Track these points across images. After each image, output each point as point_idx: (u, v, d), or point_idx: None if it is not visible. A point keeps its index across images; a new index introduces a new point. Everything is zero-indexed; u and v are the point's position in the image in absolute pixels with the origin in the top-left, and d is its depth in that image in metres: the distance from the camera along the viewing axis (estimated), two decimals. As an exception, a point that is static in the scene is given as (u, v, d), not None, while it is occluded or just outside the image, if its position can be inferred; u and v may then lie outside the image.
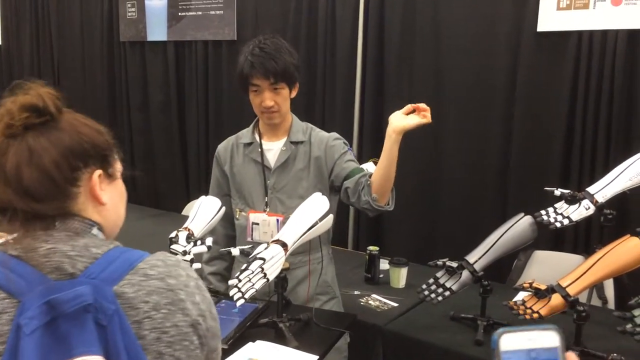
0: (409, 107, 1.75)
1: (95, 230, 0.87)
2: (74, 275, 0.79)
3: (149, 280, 0.82)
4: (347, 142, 1.96)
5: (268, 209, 1.91)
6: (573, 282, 1.74)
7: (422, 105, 1.73)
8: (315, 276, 1.91)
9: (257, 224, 1.91)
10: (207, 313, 0.87)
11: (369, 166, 2.03)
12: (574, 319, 1.74)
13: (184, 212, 3.71)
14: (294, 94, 1.91)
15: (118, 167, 0.94)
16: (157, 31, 4.11)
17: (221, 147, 2.06)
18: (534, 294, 1.78)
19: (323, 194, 1.84)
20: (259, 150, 1.94)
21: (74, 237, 0.83)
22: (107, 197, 0.89)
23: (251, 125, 2.01)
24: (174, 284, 0.84)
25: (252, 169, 1.95)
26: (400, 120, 1.73)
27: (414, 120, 1.71)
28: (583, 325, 1.74)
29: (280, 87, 1.83)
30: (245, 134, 2.01)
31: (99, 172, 0.88)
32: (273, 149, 1.94)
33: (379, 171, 1.75)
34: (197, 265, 1.68)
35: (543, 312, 1.75)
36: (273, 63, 1.79)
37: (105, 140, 0.91)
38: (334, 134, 1.96)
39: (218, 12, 3.82)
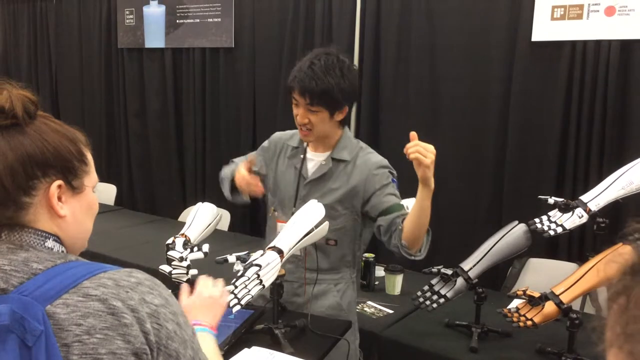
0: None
1: (50, 242, 0.83)
2: (6, 290, 0.76)
3: (87, 302, 0.77)
4: (393, 172, 1.84)
5: None
6: (566, 289, 1.75)
7: (407, 146, 1.57)
8: (329, 296, 1.86)
9: None
10: (161, 341, 0.81)
11: (410, 203, 1.87)
12: (567, 327, 1.75)
13: (180, 218, 3.72)
14: (339, 117, 1.78)
15: (89, 179, 0.88)
16: (155, 38, 4.13)
17: (276, 137, 1.96)
18: (528, 301, 1.80)
19: (354, 218, 1.83)
20: (301, 157, 1.87)
21: (15, 251, 0.79)
22: (68, 210, 0.84)
23: None
24: (118, 307, 0.77)
25: (291, 174, 1.88)
26: (415, 168, 1.59)
27: (418, 168, 1.58)
28: (576, 333, 1.75)
29: (316, 109, 1.73)
30: (296, 136, 1.91)
31: (58, 182, 0.82)
32: (314, 160, 1.86)
33: (409, 219, 1.66)
34: (193, 271, 1.69)
35: (537, 319, 1.76)
36: (313, 84, 1.69)
37: (74, 150, 0.85)
38: (382, 161, 1.83)
39: (216, 20, 3.84)
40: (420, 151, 1.54)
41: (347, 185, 1.81)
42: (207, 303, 1.24)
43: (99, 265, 0.82)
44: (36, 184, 0.81)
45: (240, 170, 1.77)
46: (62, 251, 0.84)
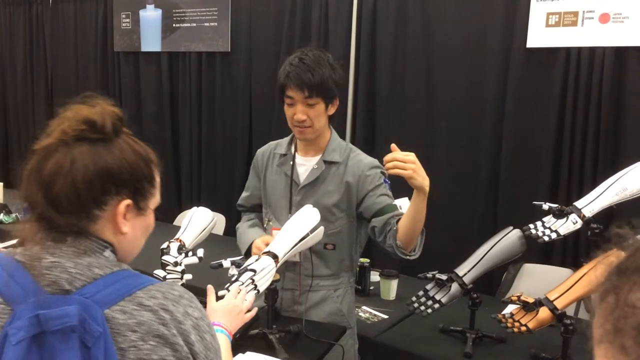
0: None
1: (107, 252, 0.87)
2: (69, 292, 0.80)
3: (141, 311, 0.81)
4: (385, 172, 1.81)
5: None
6: (560, 295, 1.76)
7: (387, 157, 1.56)
8: (329, 302, 1.86)
9: None
10: (200, 353, 0.85)
11: (403, 202, 1.90)
12: (562, 332, 1.75)
13: (175, 222, 3.71)
14: (332, 110, 1.80)
15: (154, 201, 0.93)
16: (151, 42, 4.13)
17: (260, 152, 1.97)
18: (522, 307, 1.80)
19: (350, 221, 1.83)
20: (291, 164, 1.86)
21: (80, 255, 0.83)
22: (129, 228, 0.88)
23: (289, 137, 1.92)
24: (167, 319, 0.83)
25: (282, 182, 1.87)
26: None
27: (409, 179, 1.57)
28: (570, 339, 1.75)
29: (314, 101, 1.72)
30: (282, 144, 1.92)
31: (127, 202, 0.86)
32: (305, 165, 1.85)
33: (404, 220, 1.66)
34: (188, 276, 1.69)
35: (531, 325, 1.77)
36: (309, 75, 1.69)
37: (147, 172, 0.90)
38: (373, 162, 1.84)
39: (212, 24, 3.85)
40: (398, 165, 1.54)
41: (342, 187, 1.81)
42: (231, 310, 1.34)
43: (147, 278, 0.87)
44: (108, 199, 0.85)
45: (256, 244, 1.77)
46: (116, 262, 0.88)
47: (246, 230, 1.90)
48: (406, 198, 1.92)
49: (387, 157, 1.56)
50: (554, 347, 1.83)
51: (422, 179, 1.57)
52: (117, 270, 0.84)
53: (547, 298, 1.77)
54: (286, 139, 1.93)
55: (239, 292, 1.41)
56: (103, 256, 0.86)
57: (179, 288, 0.89)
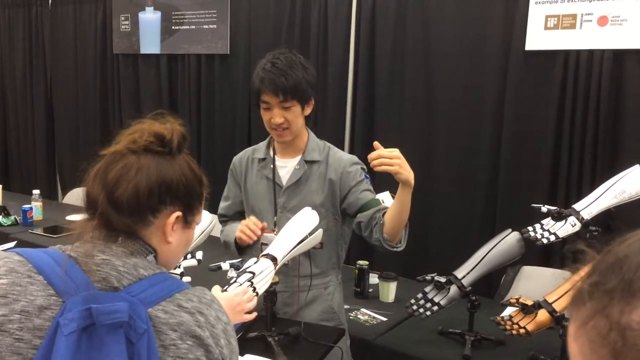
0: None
1: (150, 257, 0.92)
2: (117, 289, 0.85)
3: (180, 312, 0.87)
4: (365, 168, 1.86)
5: (277, 229, 1.81)
6: (559, 297, 1.76)
7: (372, 155, 1.58)
8: (321, 301, 1.87)
9: (266, 244, 1.76)
10: (229, 356, 0.90)
11: (385, 197, 1.92)
12: (560, 335, 1.76)
13: (174, 225, 3.71)
14: (308, 111, 1.82)
15: (198, 219, 1.00)
16: (150, 44, 4.14)
17: (237, 159, 1.98)
18: (521, 309, 1.80)
19: (335, 218, 1.85)
20: (272, 167, 1.87)
21: (128, 255, 0.89)
22: (175, 239, 0.94)
23: (266, 141, 1.93)
24: (202, 321, 0.88)
25: (264, 185, 1.88)
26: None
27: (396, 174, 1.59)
28: (569, 341, 1.75)
29: (290, 104, 1.75)
30: (260, 149, 1.93)
31: (178, 213, 0.93)
32: (287, 167, 1.87)
33: (390, 214, 1.68)
34: (187, 278, 1.69)
35: (530, 327, 1.77)
36: (283, 80, 1.71)
37: (199, 191, 0.98)
38: (353, 158, 1.87)
39: (211, 27, 3.85)
40: (384, 162, 1.56)
41: (325, 185, 1.83)
42: (234, 306, 1.38)
43: (182, 282, 0.94)
44: (162, 208, 0.92)
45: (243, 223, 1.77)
46: (157, 266, 0.94)
47: (230, 224, 1.93)
48: (387, 192, 1.97)
49: (372, 154, 1.59)
50: (552, 349, 1.83)
51: (407, 172, 1.60)
52: (158, 273, 0.90)
53: (545, 300, 1.77)
54: (263, 143, 1.95)
55: (246, 293, 1.42)
56: (146, 260, 0.91)
57: (210, 294, 0.94)
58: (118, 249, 0.89)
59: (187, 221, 0.96)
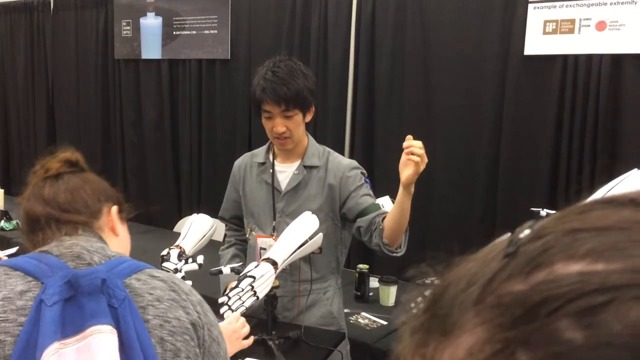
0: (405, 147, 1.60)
1: (109, 248, 1.05)
2: (91, 265, 0.95)
3: (153, 280, 0.97)
4: (365, 172, 1.87)
5: (275, 234, 1.82)
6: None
7: (406, 144, 1.57)
8: (320, 306, 1.88)
9: (265, 249, 1.80)
10: (208, 324, 0.98)
11: (384, 201, 1.93)
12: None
13: (175, 229, 3.73)
14: (309, 117, 1.83)
15: (125, 217, 1.16)
16: (151, 49, 4.16)
17: (236, 164, 2.00)
18: None
19: (335, 223, 1.86)
20: (271, 171, 1.88)
21: (92, 240, 1.01)
22: (121, 231, 1.11)
23: (266, 145, 1.94)
24: (176, 287, 0.98)
25: (263, 190, 1.89)
26: (402, 172, 1.60)
27: (408, 171, 1.58)
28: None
29: (292, 113, 1.75)
30: (260, 153, 1.94)
31: (115, 207, 1.11)
32: (286, 172, 1.87)
33: (390, 219, 1.68)
34: (188, 282, 1.69)
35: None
36: (285, 89, 1.71)
37: (116, 193, 1.15)
38: (352, 163, 1.87)
39: (212, 32, 3.87)
40: (415, 152, 1.55)
41: (324, 191, 1.83)
42: (230, 335, 1.45)
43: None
44: (102, 205, 1.09)
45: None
46: None
47: (227, 261, 1.95)
48: (387, 197, 1.96)
49: (418, 143, 1.56)
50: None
51: (414, 175, 1.59)
52: (121, 255, 1.01)
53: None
54: (263, 148, 1.95)
55: (238, 319, 1.46)
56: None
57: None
58: (82, 237, 1.01)
59: (122, 217, 1.13)
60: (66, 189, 1.05)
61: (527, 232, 0.30)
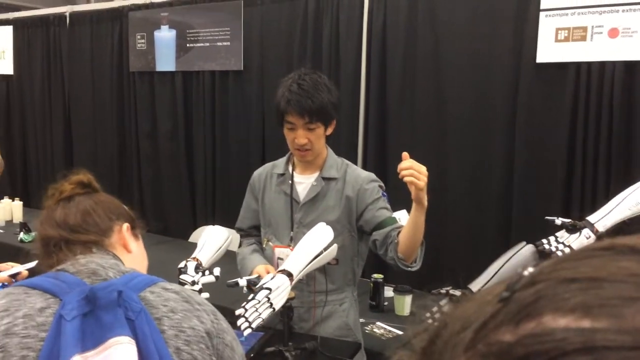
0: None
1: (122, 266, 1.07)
2: (106, 280, 0.98)
3: (167, 292, 1.00)
4: (382, 186, 1.88)
5: (293, 244, 1.83)
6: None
7: (401, 167, 1.58)
8: (336, 317, 1.88)
9: (282, 259, 1.81)
10: (221, 332, 1.01)
11: (401, 215, 1.93)
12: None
13: (191, 239, 3.76)
14: (329, 131, 1.85)
15: (139, 234, 1.19)
16: (165, 62, 4.21)
17: (256, 174, 2.02)
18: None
19: (351, 235, 1.87)
20: (290, 182, 1.90)
21: (106, 257, 1.04)
22: (134, 247, 1.13)
23: (286, 156, 1.97)
24: (189, 298, 1.01)
25: (282, 201, 1.91)
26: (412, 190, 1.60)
27: (413, 190, 1.59)
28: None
29: (315, 126, 1.78)
30: (279, 164, 1.97)
31: (127, 224, 1.13)
32: (304, 183, 1.90)
33: (404, 233, 1.68)
34: (205, 294, 1.71)
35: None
36: (309, 102, 1.74)
37: (129, 212, 1.18)
38: (371, 175, 1.89)
39: (225, 44, 3.92)
40: (415, 174, 1.55)
41: (342, 202, 1.84)
42: None
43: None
44: (113, 224, 1.12)
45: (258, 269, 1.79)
46: None
47: (248, 256, 1.94)
48: (404, 210, 1.96)
49: (405, 163, 1.56)
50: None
51: (422, 193, 1.59)
52: (135, 271, 1.04)
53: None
54: (283, 159, 1.98)
55: None
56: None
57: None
58: (96, 255, 1.04)
59: (135, 234, 1.16)
60: (77, 211, 1.08)
61: (527, 273, 0.30)
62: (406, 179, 1.56)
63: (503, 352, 0.26)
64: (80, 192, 1.12)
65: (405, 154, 1.61)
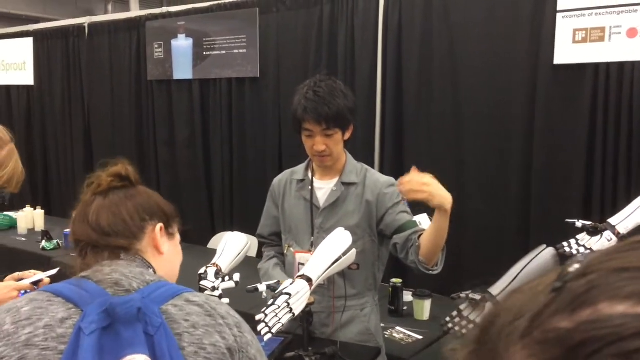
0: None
1: (150, 271, 1.04)
2: (129, 292, 0.95)
3: (190, 305, 0.97)
4: None
5: (314, 249, 1.82)
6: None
7: (400, 189, 1.62)
8: (357, 323, 1.88)
9: (303, 264, 1.78)
10: (245, 345, 0.97)
11: (422, 218, 1.93)
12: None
13: (209, 246, 3.78)
14: (347, 135, 1.86)
15: (177, 231, 1.15)
16: (182, 70, 4.25)
17: (276, 181, 2.03)
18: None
19: (372, 239, 1.87)
20: (310, 188, 1.91)
21: (132, 265, 1.02)
22: (166, 249, 1.09)
23: (305, 162, 1.98)
24: (213, 311, 0.97)
25: (302, 206, 1.92)
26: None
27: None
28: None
29: (332, 132, 1.79)
30: (299, 170, 1.98)
31: (160, 224, 1.09)
32: (324, 188, 1.90)
33: (426, 237, 1.68)
34: (225, 300, 1.72)
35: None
36: (326, 109, 1.74)
37: (167, 208, 1.13)
38: (390, 180, 1.89)
39: (241, 51, 3.95)
40: (413, 189, 1.56)
41: (362, 207, 1.84)
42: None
43: (185, 288, 1.03)
44: (146, 224, 1.08)
45: None
46: None
47: (270, 272, 1.95)
48: (425, 214, 1.95)
49: (403, 179, 1.58)
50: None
51: (441, 198, 1.58)
52: (162, 279, 1.02)
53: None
54: (302, 165, 1.99)
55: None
56: (148, 273, 1.03)
57: (219, 301, 1.06)
58: (122, 262, 1.01)
59: (170, 232, 1.12)
60: (109, 209, 1.05)
61: (576, 266, 0.31)
62: (408, 197, 1.59)
63: (560, 338, 0.28)
64: (118, 185, 1.09)
65: (413, 168, 1.61)
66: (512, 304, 0.32)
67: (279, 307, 1.50)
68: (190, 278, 1.81)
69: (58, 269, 3.14)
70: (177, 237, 1.15)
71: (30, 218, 4.11)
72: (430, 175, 1.59)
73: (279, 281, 1.66)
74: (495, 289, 1.96)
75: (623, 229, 1.86)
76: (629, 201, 1.98)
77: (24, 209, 4.17)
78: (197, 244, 3.98)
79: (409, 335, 2.30)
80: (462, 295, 1.98)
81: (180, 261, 1.16)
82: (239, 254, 1.88)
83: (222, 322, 0.96)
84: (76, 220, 1.06)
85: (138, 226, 1.06)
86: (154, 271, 1.05)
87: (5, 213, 4.17)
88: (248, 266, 2.15)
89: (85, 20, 4.89)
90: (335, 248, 1.67)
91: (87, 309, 0.91)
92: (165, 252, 1.08)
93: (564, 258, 1.92)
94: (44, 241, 3.58)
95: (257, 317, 1.52)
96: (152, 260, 1.06)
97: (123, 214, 1.05)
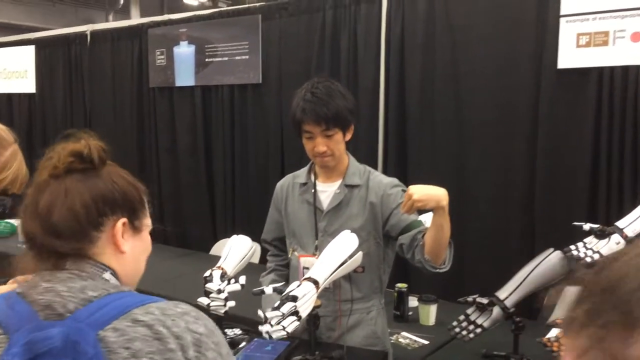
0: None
1: (107, 275, 0.90)
2: (62, 316, 0.82)
3: (135, 327, 0.82)
4: (405, 189, 1.85)
5: (318, 253, 1.81)
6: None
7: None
8: (364, 326, 1.87)
9: (308, 268, 1.75)
10: None
11: (427, 217, 1.90)
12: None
13: (212, 252, 3.76)
14: (348, 136, 1.85)
15: (146, 222, 0.98)
16: (184, 77, 4.25)
17: (279, 185, 2.03)
18: None
19: (377, 242, 1.86)
20: (313, 191, 1.90)
21: (74, 279, 0.86)
22: (128, 247, 0.93)
23: (307, 166, 1.97)
24: (163, 333, 0.82)
25: (305, 210, 1.91)
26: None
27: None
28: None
29: (332, 132, 1.78)
30: (301, 174, 1.97)
31: (123, 220, 0.92)
32: (327, 191, 1.89)
33: (428, 236, 1.68)
34: (231, 303, 1.71)
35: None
36: (325, 109, 1.74)
37: (137, 195, 0.96)
38: (394, 180, 1.89)
39: (243, 57, 3.95)
40: (408, 208, 1.61)
41: (366, 209, 1.84)
42: None
43: (150, 297, 0.88)
44: (105, 220, 0.91)
45: None
46: (117, 284, 0.91)
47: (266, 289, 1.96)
48: (430, 213, 1.94)
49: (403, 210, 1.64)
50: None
51: (431, 201, 1.59)
52: (113, 292, 0.86)
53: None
54: (304, 169, 1.98)
55: None
56: (102, 279, 0.89)
57: (186, 306, 0.89)
58: (63, 275, 0.86)
59: (135, 226, 0.94)
60: (64, 201, 0.88)
61: None
62: (409, 212, 1.64)
63: None
64: (78, 167, 0.91)
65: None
66: (632, 268, 0.33)
67: (284, 314, 1.47)
68: (191, 285, 1.81)
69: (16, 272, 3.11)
70: (146, 225, 0.98)
71: (31, 225, 4.09)
72: (410, 187, 1.61)
73: (285, 283, 1.65)
74: (503, 293, 1.95)
75: (631, 231, 1.85)
76: (634, 205, 1.96)
77: (25, 216, 4.15)
78: (199, 250, 3.97)
79: (415, 341, 2.28)
80: (469, 299, 1.96)
81: (147, 255, 1.00)
82: (244, 257, 1.86)
83: (173, 347, 0.82)
84: (27, 209, 0.90)
85: (94, 223, 0.89)
86: (114, 272, 0.91)
87: (7, 220, 4.15)
88: (253, 270, 2.14)
89: (87, 28, 4.90)
90: (341, 250, 1.65)
91: (13, 337, 0.81)
92: (127, 251, 0.92)
93: (572, 261, 1.91)
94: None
95: (260, 328, 1.49)
96: (112, 260, 0.91)
97: (77, 208, 0.87)
